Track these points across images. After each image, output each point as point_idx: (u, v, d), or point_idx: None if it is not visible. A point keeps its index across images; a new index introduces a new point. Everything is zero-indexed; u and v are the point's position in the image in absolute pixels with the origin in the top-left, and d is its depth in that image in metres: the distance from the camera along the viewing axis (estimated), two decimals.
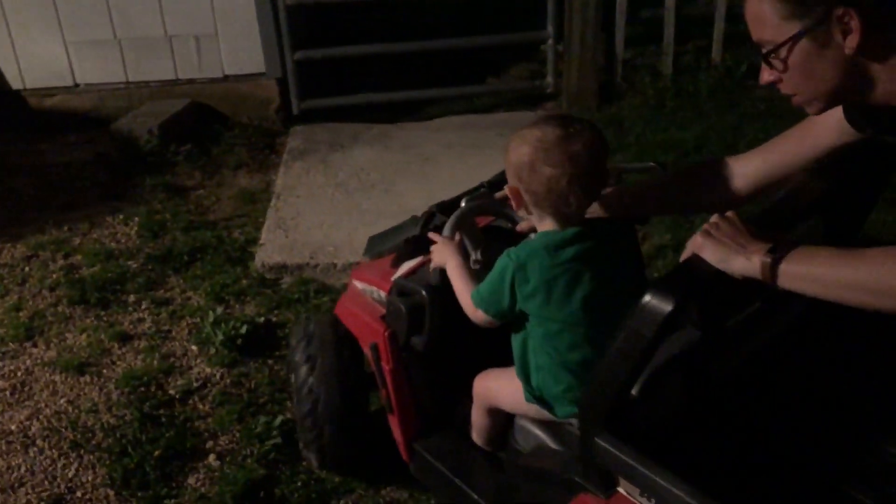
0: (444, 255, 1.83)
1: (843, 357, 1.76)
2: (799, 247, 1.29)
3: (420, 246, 2.04)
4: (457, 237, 1.84)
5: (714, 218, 1.42)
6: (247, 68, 5.11)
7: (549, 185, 1.58)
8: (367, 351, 2.15)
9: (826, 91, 1.34)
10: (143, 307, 3.38)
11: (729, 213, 1.42)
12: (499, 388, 1.89)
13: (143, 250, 3.78)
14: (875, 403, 1.70)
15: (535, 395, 1.76)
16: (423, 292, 1.93)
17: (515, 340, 1.75)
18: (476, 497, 1.99)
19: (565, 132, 1.58)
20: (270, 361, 3.01)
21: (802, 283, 1.28)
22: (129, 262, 3.69)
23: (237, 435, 2.67)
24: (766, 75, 1.37)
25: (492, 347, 1.97)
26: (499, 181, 1.99)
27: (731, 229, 1.38)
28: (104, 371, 3.01)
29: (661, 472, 1.38)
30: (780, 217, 1.52)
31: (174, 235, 3.89)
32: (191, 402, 2.84)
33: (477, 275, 1.78)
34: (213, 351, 3.05)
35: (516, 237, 1.87)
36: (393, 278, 2.06)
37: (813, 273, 1.27)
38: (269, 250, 3.66)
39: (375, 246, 2.19)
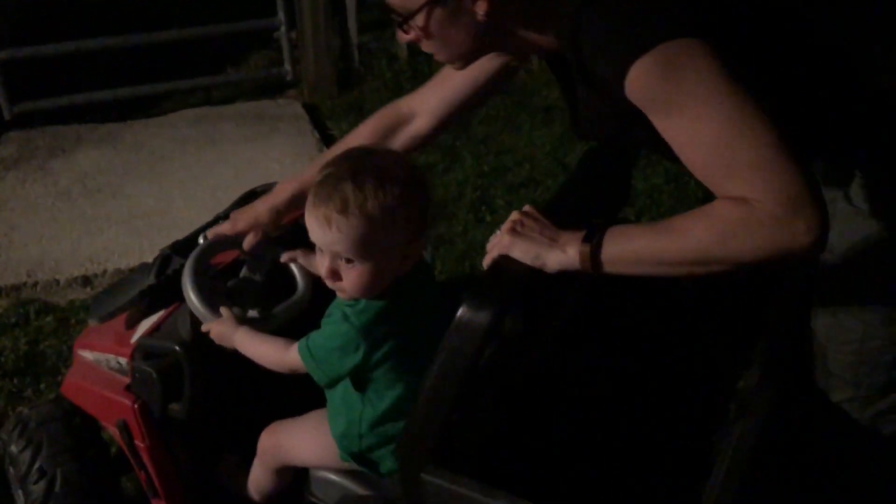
0: (225, 336, 1.58)
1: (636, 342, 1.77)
2: (609, 229, 1.26)
3: (157, 297, 1.75)
4: (223, 311, 1.61)
5: (513, 215, 1.34)
6: None
7: (409, 248, 1.41)
8: (112, 430, 1.86)
9: (465, 52, 1.38)
10: None
11: (527, 208, 1.35)
12: (297, 444, 1.68)
13: None
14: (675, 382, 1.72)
15: (354, 455, 1.58)
16: (178, 348, 1.69)
17: (339, 402, 1.56)
18: None
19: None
20: None
21: (624, 265, 1.24)
22: None
23: None
24: (402, 35, 1.36)
25: (259, 398, 1.84)
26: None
27: (535, 224, 1.31)
28: None
29: (505, 497, 1.28)
30: (569, 205, 1.47)
31: None
32: None
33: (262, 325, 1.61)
34: None
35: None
36: (133, 340, 1.80)
37: (633, 254, 1.24)
38: None
39: (103, 306, 1.80)
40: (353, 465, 1.60)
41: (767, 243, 1.14)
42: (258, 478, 1.80)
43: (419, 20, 1.31)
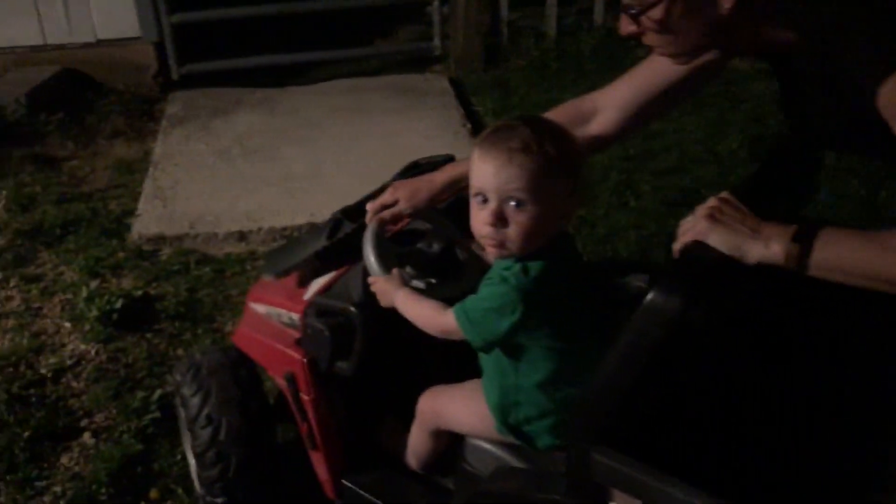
0: (387, 292, 1.61)
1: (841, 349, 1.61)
2: (821, 231, 1.18)
3: (329, 259, 1.82)
4: (394, 271, 1.63)
5: (711, 201, 1.28)
6: (121, 32, 4.90)
7: (569, 204, 1.42)
8: (279, 381, 1.92)
9: (695, 47, 1.32)
10: (12, 285, 3.22)
11: (724, 194, 1.29)
12: (455, 410, 1.69)
13: (10, 225, 3.59)
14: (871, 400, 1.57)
15: (510, 427, 1.57)
16: (353, 308, 1.72)
17: (493, 370, 1.56)
18: None
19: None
20: (149, 335, 2.93)
21: (834, 272, 1.18)
22: None
23: (113, 412, 2.59)
24: (627, 26, 1.30)
25: (420, 364, 1.86)
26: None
27: (736, 213, 1.25)
28: None
29: (676, 484, 1.23)
30: (759, 196, 1.38)
31: (45, 209, 3.72)
32: (63, 380, 2.74)
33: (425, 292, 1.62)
34: (87, 327, 2.95)
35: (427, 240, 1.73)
36: (308, 297, 1.84)
37: (848, 264, 1.17)
38: (147, 221, 3.55)
39: (279, 263, 1.90)
40: (509, 438, 1.59)
41: None
42: (416, 440, 1.83)
43: (657, 12, 1.24)
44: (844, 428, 1.54)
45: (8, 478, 2.35)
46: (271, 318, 1.95)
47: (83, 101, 4.71)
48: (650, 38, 1.32)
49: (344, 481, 1.94)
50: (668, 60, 1.41)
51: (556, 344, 1.48)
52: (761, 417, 1.54)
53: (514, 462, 1.60)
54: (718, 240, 1.24)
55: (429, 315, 1.55)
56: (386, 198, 1.75)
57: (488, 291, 1.44)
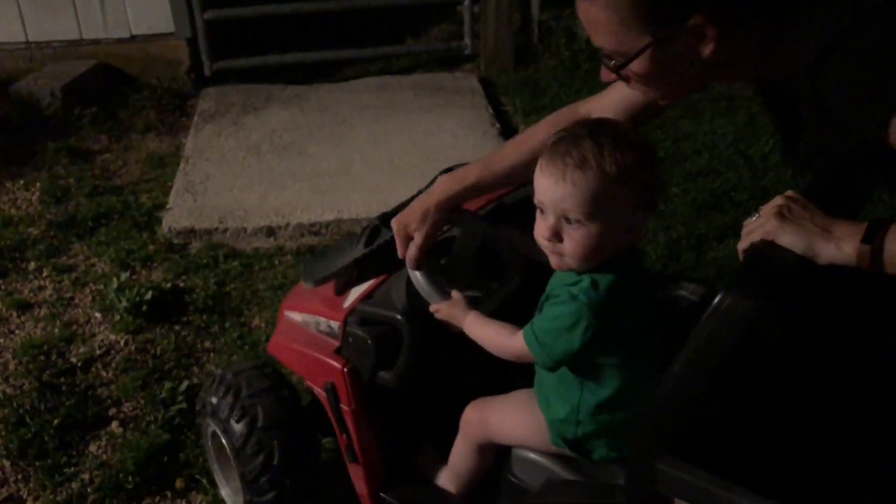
0: (455, 317, 1.58)
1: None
2: (892, 227, 1.13)
3: (368, 267, 1.78)
4: (454, 294, 1.61)
5: (779, 200, 1.24)
6: (155, 28, 4.94)
7: (634, 218, 1.37)
8: (318, 392, 1.85)
9: (678, 89, 1.30)
10: (45, 275, 3.28)
11: (792, 193, 1.25)
12: (504, 420, 1.63)
13: (44, 216, 3.66)
14: None
15: (567, 441, 1.53)
16: (399, 317, 1.68)
17: (556, 385, 1.52)
18: None
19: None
20: (177, 327, 2.96)
21: None
22: (30, 229, 3.57)
23: (141, 401, 2.62)
24: (608, 75, 1.28)
25: (464, 376, 1.81)
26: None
27: (805, 211, 1.20)
28: (1, 340, 2.92)
29: (744, 493, 1.17)
30: (825, 191, 1.33)
31: (78, 201, 3.77)
32: (93, 369, 2.78)
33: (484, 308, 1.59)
34: (117, 318, 2.99)
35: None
36: (347, 305, 1.80)
37: None
38: (177, 215, 3.58)
39: (316, 271, 1.84)
40: (563, 450, 1.54)
41: None
42: (459, 456, 1.75)
43: (637, 65, 1.20)
44: None
45: (38, 463, 2.39)
46: (308, 326, 1.91)
47: (117, 96, 4.77)
48: (634, 85, 1.29)
49: (383, 495, 1.89)
50: None
51: (624, 361, 1.45)
52: (828, 427, 1.48)
53: (566, 474, 1.54)
54: (789, 239, 1.18)
55: (499, 339, 1.52)
56: (401, 240, 1.67)
57: (558, 310, 1.39)
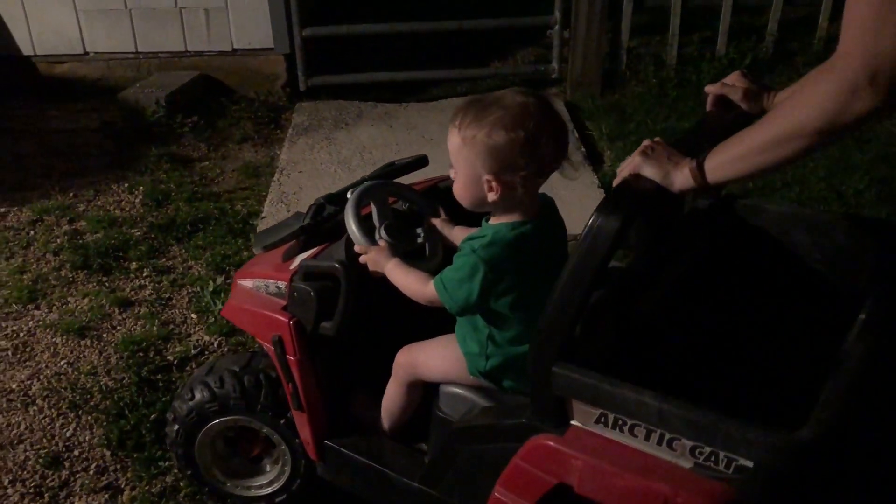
0: (379, 262, 1.80)
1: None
2: (710, 151, 1.45)
3: (313, 236, 1.99)
4: (380, 242, 1.83)
5: (646, 142, 1.54)
6: (255, 43, 5.15)
7: (539, 167, 1.58)
8: (267, 347, 2.03)
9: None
10: (145, 274, 3.45)
11: (657, 139, 1.55)
12: (429, 358, 1.87)
13: (146, 219, 3.85)
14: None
15: (481, 372, 1.77)
16: (337, 265, 1.87)
17: (466, 327, 1.76)
18: (406, 480, 1.94)
19: (543, 104, 1.59)
20: None
21: (726, 169, 1.41)
22: (133, 230, 3.76)
23: None
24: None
25: (395, 328, 1.99)
26: (379, 175, 2.04)
27: (664, 150, 1.51)
28: (104, 335, 3.08)
29: (629, 386, 1.41)
30: (694, 143, 1.63)
31: (177, 205, 3.96)
32: (188, 368, 2.91)
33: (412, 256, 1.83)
34: (211, 319, 3.12)
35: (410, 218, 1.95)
36: (296, 263, 1.98)
37: (731, 155, 1.40)
38: (271, 223, 3.72)
39: (266, 239, 2.03)
40: (479, 380, 1.78)
41: (829, 100, 1.22)
42: (391, 396, 1.97)
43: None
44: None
45: (135, 455, 2.52)
46: (259, 290, 2.09)
47: (216, 106, 4.99)
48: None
49: (327, 442, 2.07)
50: None
51: (523, 308, 1.65)
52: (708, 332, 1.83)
53: (483, 402, 1.78)
54: (650, 171, 1.49)
55: (416, 285, 1.74)
56: None
57: (460, 262, 1.64)
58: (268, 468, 2.31)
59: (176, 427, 2.22)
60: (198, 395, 2.16)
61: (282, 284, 2.00)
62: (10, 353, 3.00)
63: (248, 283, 2.14)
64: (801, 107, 1.27)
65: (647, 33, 5.51)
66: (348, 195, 1.92)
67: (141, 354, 2.96)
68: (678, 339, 1.84)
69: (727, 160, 1.40)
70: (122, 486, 2.44)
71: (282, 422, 2.14)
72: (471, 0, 6.57)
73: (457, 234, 1.91)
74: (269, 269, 2.08)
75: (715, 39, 5.35)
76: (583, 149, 4.40)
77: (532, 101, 1.58)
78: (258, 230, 2.14)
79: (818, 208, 3.65)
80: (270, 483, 2.29)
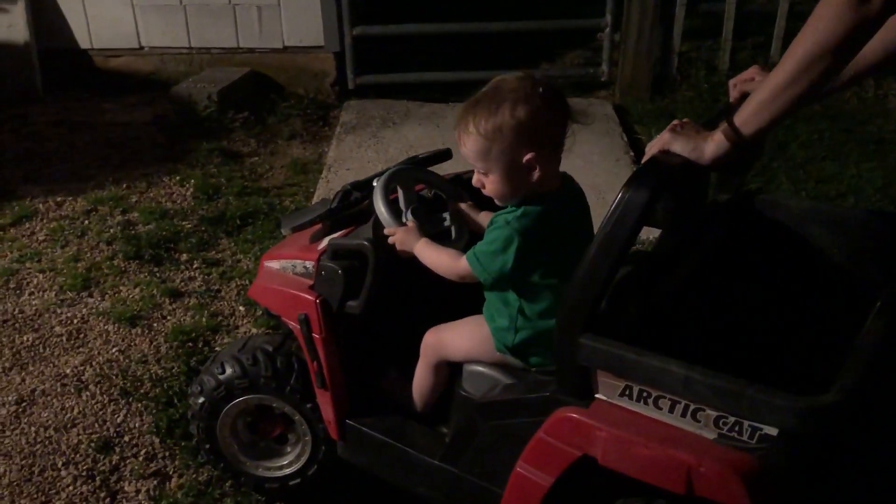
0: (407, 242, 1.84)
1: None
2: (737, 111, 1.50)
3: (339, 219, 2.04)
4: (408, 223, 1.87)
5: (675, 122, 1.60)
6: (306, 41, 5.20)
7: (563, 126, 1.68)
8: (293, 326, 2.05)
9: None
10: (195, 266, 3.50)
11: (685, 119, 1.63)
12: (456, 338, 1.90)
13: (197, 212, 3.91)
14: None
15: (509, 347, 1.79)
16: (366, 243, 1.89)
17: (496, 302, 1.80)
18: (426, 458, 1.94)
19: (527, 77, 1.66)
20: None
21: (760, 115, 1.45)
22: (184, 223, 3.82)
23: None
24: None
25: (422, 310, 2.02)
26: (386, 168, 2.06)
27: (692, 127, 1.57)
28: (155, 324, 3.14)
29: (654, 355, 1.43)
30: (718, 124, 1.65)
31: (227, 199, 4.02)
32: None
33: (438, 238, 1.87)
34: (258, 313, 3.16)
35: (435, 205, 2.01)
36: (324, 244, 2.01)
37: (760, 100, 1.45)
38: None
39: (293, 221, 2.09)
40: (506, 357, 1.81)
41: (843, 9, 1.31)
42: (420, 377, 2.00)
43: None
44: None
45: (183, 444, 2.56)
46: (286, 270, 2.11)
47: (267, 103, 5.05)
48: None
49: (348, 421, 2.09)
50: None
51: (555, 278, 1.70)
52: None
53: (507, 380, 1.80)
54: (678, 146, 1.54)
55: (447, 262, 1.79)
56: None
57: (494, 234, 1.68)
58: (288, 449, 2.33)
59: (202, 400, 2.25)
60: (228, 371, 2.19)
61: (309, 264, 2.03)
62: (64, 338, 3.07)
63: (274, 265, 2.17)
64: (816, 28, 1.34)
65: (699, 38, 5.44)
66: (374, 183, 1.96)
67: (190, 345, 3.01)
68: (697, 322, 1.86)
69: (757, 108, 1.45)
70: (171, 473, 2.48)
71: (308, 406, 2.15)
72: (519, 1, 6.58)
73: (482, 219, 1.97)
74: (296, 249, 2.12)
75: (769, 45, 5.27)
76: (631, 153, 4.37)
77: (519, 76, 1.67)
78: (285, 215, 2.21)
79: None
80: (290, 464, 2.31)
